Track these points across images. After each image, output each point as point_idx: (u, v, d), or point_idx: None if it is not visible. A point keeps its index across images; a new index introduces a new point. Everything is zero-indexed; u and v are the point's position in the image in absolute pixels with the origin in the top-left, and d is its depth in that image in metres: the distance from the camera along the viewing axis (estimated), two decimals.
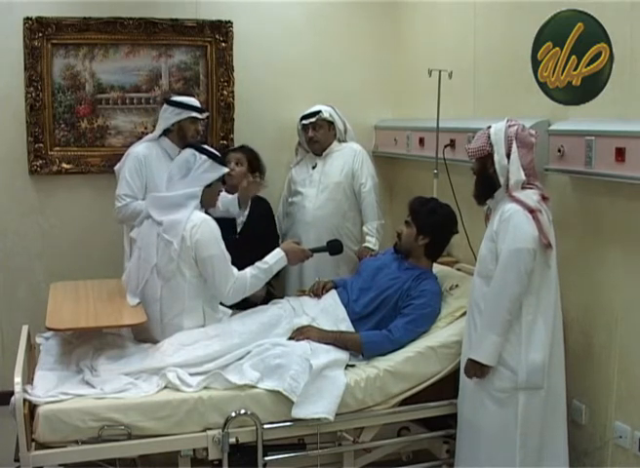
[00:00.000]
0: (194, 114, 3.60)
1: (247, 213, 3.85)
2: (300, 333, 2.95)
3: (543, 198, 2.71)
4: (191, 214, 2.91)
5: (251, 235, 3.79)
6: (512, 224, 2.63)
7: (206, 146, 3.09)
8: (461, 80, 3.66)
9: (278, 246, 3.48)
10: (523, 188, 2.69)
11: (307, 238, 3.90)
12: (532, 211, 2.63)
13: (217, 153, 3.06)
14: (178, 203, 2.93)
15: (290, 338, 2.95)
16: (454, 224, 3.24)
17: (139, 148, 3.60)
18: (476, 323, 2.75)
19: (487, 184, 2.77)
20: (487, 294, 2.70)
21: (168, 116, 3.59)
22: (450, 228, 3.23)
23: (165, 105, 3.62)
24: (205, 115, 3.73)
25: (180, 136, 3.59)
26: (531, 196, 2.68)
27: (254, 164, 3.88)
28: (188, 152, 2.98)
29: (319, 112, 3.97)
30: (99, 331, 2.90)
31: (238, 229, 3.83)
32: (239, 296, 2.99)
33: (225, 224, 3.42)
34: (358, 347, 2.96)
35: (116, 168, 3.68)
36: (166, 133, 3.62)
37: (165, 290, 2.91)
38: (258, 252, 3.12)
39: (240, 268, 2.99)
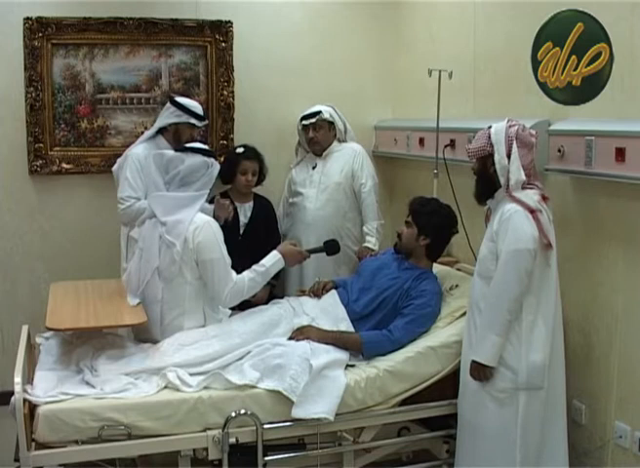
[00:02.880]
0: (193, 121, 3.61)
1: (249, 214, 3.85)
2: (299, 333, 2.95)
3: (544, 198, 2.71)
4: (194, 215, 2.92)
5: (254, 236, 3.79)
6: (512, 225, 2.63)
7: (205, 147, 3.11)
8: (461, 80, 3.66)
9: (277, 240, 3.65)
10: (523, 188, 2.69)
11: (307, 238, 3.91)
12: (532, 211, 2.63)
13: (210, 149, 3.10)
14: (184, 204, 2.94)
15: (290, 338, 2.95)
16: (454, 224, 3.24)
17: (138, 150, 3.59)
18: (476, 323, 2.75)
19: (487, 184, 2.77)
20: (487, 295, 2.70)
21: (168, 115, 3.61)
22: (450, 228, 3.23)
23: (168, 104, 3.64)
24: (203, 124, 3.73)
25: (175, 137, 3.60)
26: (531, 196, 2.67)
27: (262, 169, 3.88)
28: (199, 160, 2.97)
29: (319, 113, 3.96)
30: (99, 331, 2.90)
31: (241, 231, 3.83)
32: (236, 300, 2.99)
33: (228, 226, 3.44)
34: (358, 347, 2.96)
35: (114, 169, 3.68)
36: (162, 131, 3.63)
37: (166, 291, 2.92)
38: (260, 252, 3.12)
39: (242, 268, 2.99)
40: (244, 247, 3.50)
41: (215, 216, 3.29)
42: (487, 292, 2.71)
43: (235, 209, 3.81)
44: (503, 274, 2.64)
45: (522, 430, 2.67)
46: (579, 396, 2.95)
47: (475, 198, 2.86)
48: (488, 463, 2.72)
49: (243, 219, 3.84)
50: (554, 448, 2.73)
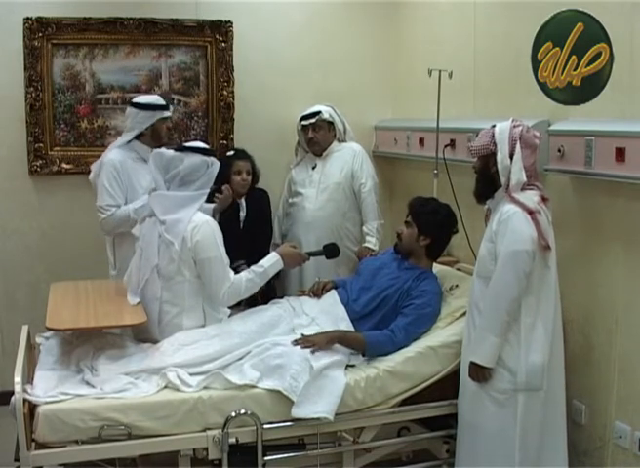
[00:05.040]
0: (166, 114, 3.59)
1: (245, 207, 3.86)
2: (305, 342, 2.89)
3: (543, 199, 2.70)
4: (193, 214, 2.92)
5: (252, 227, 3.84)
6: (511, 226, 2.63)
7: (205, 146, 3.11)
8: (461, 80, 3.66)
9: (271, 231, 3.82)
10: (523, 189, 2.68)
11: (307, 238, 3.91)
12: (531, 212, 2.63)
13: (209, 147, 3.14)
14: (183, 203, 2.94)
15: (296, 343, 2.90)
16: (454, 224, 3.24)
17: (112, 155, 3.54)
18: (475, 323, 2.75)
19: (488, 183, 2.76)
20: (486, 296, 2.70)
21: (140, 120, 3.53)
22: (451, 228, 3.23)
23: (134, 110, 3.54)
24: (172, 110, 3.72)
25: (155, 136, 3.58)
26: (531, 197, 2.67)
27: (254, 170, 3.89)
28: (198, 160, 2.96)
29: (319, 113, 3.95)
30: (99, 331, 2.90)
31: (241, 226, 3.85)
32: (234, 300, 2.99)
33: (230, 222, 3.48)
34: (361, 347, 2.95)
35: (90, 178, 3.63)
36: (137, 136, 3.58)
37: (165, 289, 2.92)
38: (259, 242, 3.12)
39: (245, 257, 3.00)
40: (244, 240, 3.58)
41: (213, 212, 3.26)
42: (486, 292, 2.70)
43: (238, 205, 3.83)
44: (502, 275, 2.64)
45: (521, 431, 2.67)
46: (579, 396, 2.95)
47: (475, 196, 2.85)
48: (488, 464, 2.72)
49: (242, 214, 3.86)
50: (554, 448, 2.73)
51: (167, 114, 3.60)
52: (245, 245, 3.37)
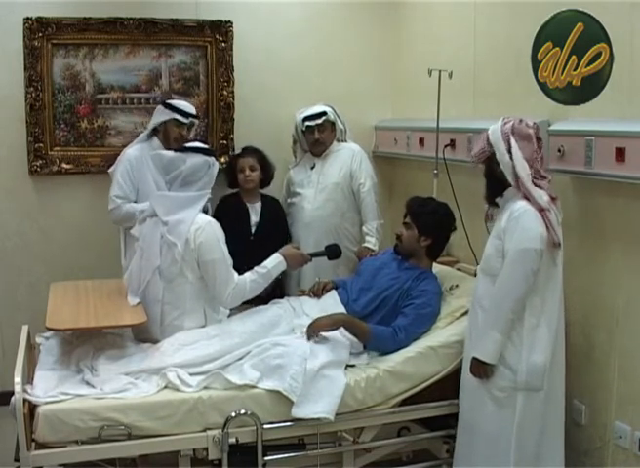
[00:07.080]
0: (177, 116, 3.66)
1: (259, 212, 3.87)
2: (312, 330, 2.93)
3: (552, 199, 2.70)
4: (196, 216, 2.92)
5: (265, 234, 3.83)
6: (521, 224, 2.62)
7: (205, 146, 3.12)
8: (461, 80, 3.66)
9: (285, 239, 3.75)
10: (535, 185, 2.66)
11: (306, 238, 3.91)
12: (542, 209, 2.62)
13: (210, 148, 3.20)
14: (185, 204, 2.94)
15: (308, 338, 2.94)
16: (453, 222, 3.25)
17: (132, 151, 3.68)
18: (478, 320, 2.75)
19: (496, 185, 2.75)
20: (492, 293, 2.69)
21: (157, 116, 3.70)
22: (450, 226, 3.23)
23: (159, 106, 3.74)
24: (190, 121, 3.74)
25: (165, 136, 3.69)
26: (542, 196, 2.66)
27: (264, 164, 3.90)
28: (200, 160, 2.97)
29: (325, 114, 3.93)
30: (99, 331, 2.90)
31: (252, 230, 3.86)
32: (238, 301, 3.00)
33: (240, 226, 3.44)
34: (365, 337, 2.95)
35: (110, 170, 3.75)
36: (155, 132, 3.72)
37: (167, 291, 2.92)
38: (271, 250, 3.13)
39: (253, 267, 3.02)
40: (256, 246, 3.58)
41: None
42: (491, 290, 2.70)
43: (247, 209, 3.86)
44: (510, 273, 2.63)
45: (518, 431, 2.67)
46: (579, 396, 2.95)
47: (486, 200, 2.83)
48: (485, 463, 2.72)
49: (254, 219, 3.87)
50: (551, 448, 2.73)
51: (177, 117, 3.65)
52: (254, 250, 3.29)
